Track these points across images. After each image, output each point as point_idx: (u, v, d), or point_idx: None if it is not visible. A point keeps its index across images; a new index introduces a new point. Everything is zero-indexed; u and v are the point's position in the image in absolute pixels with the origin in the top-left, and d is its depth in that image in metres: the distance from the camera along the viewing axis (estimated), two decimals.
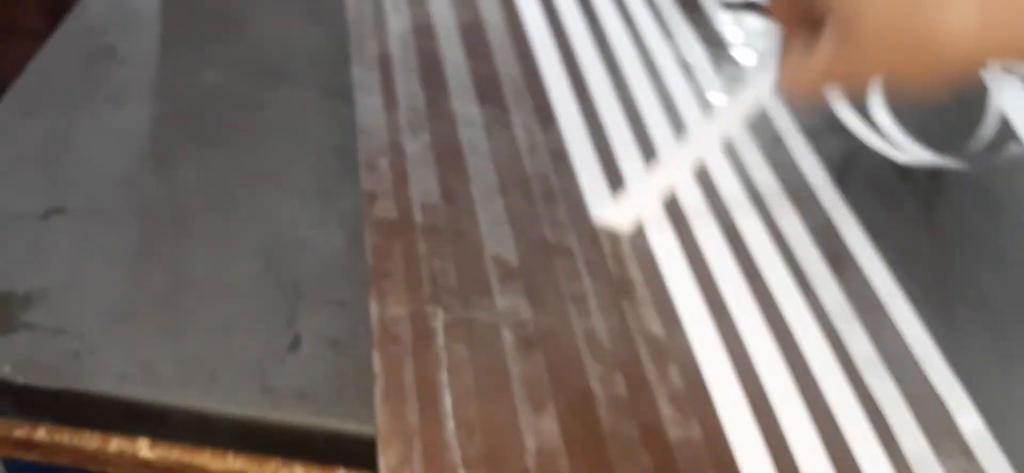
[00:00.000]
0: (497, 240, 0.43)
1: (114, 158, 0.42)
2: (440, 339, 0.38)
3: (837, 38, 0.33)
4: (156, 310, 0.36)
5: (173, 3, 0.52)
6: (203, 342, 0.35)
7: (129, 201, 0.40)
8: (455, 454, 0.33)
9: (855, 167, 0.57)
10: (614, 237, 0.45)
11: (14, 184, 0.40)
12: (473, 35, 0.56)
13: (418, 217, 0.43)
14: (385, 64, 0.52)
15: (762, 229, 0.48)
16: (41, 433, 0.35)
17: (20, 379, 0.32)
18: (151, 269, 0.37)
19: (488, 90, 0.53)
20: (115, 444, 0.35)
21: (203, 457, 0.35)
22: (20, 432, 0.34)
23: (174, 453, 0.35)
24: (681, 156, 0.47)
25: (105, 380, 0.33)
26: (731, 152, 0.53)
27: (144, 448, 0.35)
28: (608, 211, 0.46)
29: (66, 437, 0.35)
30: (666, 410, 0.37)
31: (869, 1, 0.32)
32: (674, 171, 0.47)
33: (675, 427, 0.36)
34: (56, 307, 0.35)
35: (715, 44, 0.62)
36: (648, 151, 0.51)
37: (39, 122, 0.43)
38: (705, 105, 0.57)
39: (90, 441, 0.35)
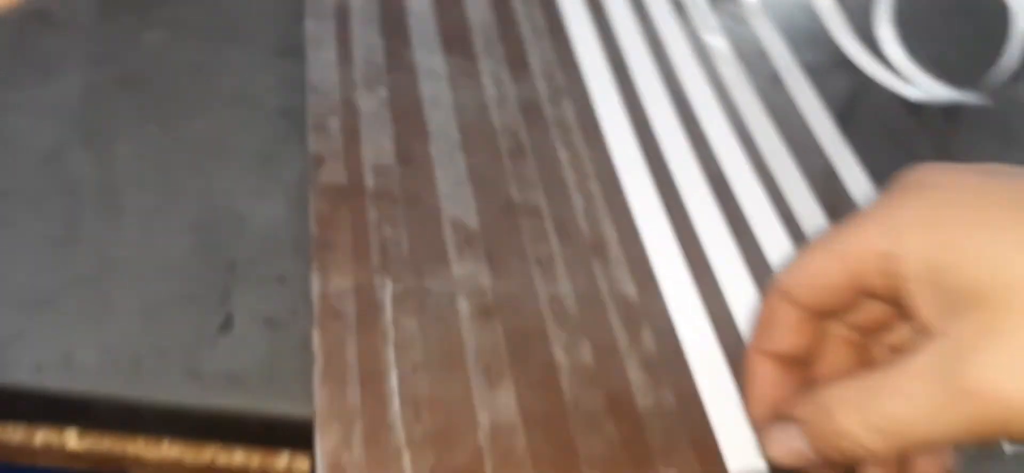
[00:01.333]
0: (457, 203, 0.39)
1: (41, 134, 0.39)
2: (388, 313, 0.35)
3: (971, 335, 0.23)
4: (78, 296, 0.33)
5: None
6: (127, 328, 0.32)
7: (55, 180, 0.37)
8: (399, 435, 0.30)
9: (862, 106, 0.52)
10: (588, 194, 0.41)
11: None
12: None
13: (370, 181, 0.39)
14: (342, 14, 0.48)
15: (754, 178, 0.44)
16: None
17: None
18: (74, 252, 0.35)
19: (455, 38, 0.49)
20: (41, 437, 0.32)
21: (136, 446, 0.32)
22: None
23: (105, 443, 0.32)
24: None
25: (23, 371, 0.31)
26: (723, 92, 0.49)
27: (72, 439, 0.32)
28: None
29: None
30: (636, 376, 0.34)
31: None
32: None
33: (645, 394, 0.33)
34: None
35: None
36: (635, 104, 0.47)
37: None
38: (700, 47, 0.53)
39: (13, 434, 0.33)
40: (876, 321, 0.29)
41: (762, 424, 0.29)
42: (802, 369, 0.29)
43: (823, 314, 0.28)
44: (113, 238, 0.35)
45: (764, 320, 0.29)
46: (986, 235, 0.23)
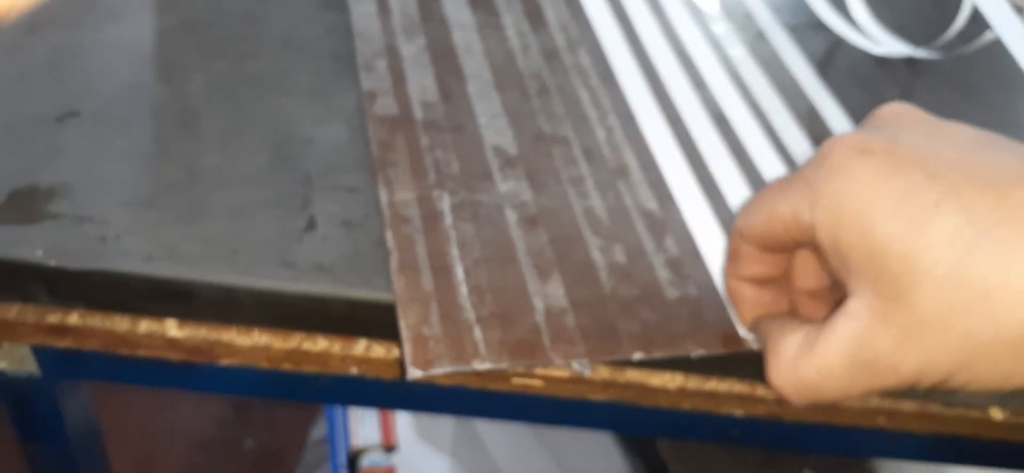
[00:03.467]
0: (496, 132, 0.45)
1: (121, 68, 0.43)
2: (447, 219, 0.40)
3: (869, 317, 0.25)
4: (174, 199, 0.37)
5: None
6: (222, 225, 0.37)
7: (139, 106, 0.41)
8: (469, 314, 0.35)
9: (836, 60, 0.59)
10: (609, 127, 0.47)
11: (26, 93, 0.41)
12: None
13: (418, 113, 0.45)
14: None
15: (749, 115, 0.50)
16: (73, 318, 0.36)
17: (52, 262, 0.34)
18: (166, 164, 0.39)
19: None
20: (144, 325, 0.37)
21: (230, 334, 0.36)
22: (53, 318, 0.36)
23: (201, 332, 0.36)
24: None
25: (132, 260, 0.35)
26: (717, 46, 0.55)
27: (172, 328, 0.36)
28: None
29: (97, 321, 0.36)
30: (663, 273, 0.39)
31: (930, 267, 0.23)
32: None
33: (672, 288, 0.38)
34: (78, 198, 0.37)
35: None
36: (641, 53, 0.52)
37: (44, 38, 0.44)
38: (693, 10, 0.59)
39: (120, 324, 0.36)
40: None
41: (753, 328, 0.33)
42: (780, 284, 0.32)
43: (776, 249, 0.30)
44: (197, 153, 0.40)
45: (731, 253, 0.32)
46: (886, 217, 0.24)
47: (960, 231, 0.23)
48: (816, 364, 0.26)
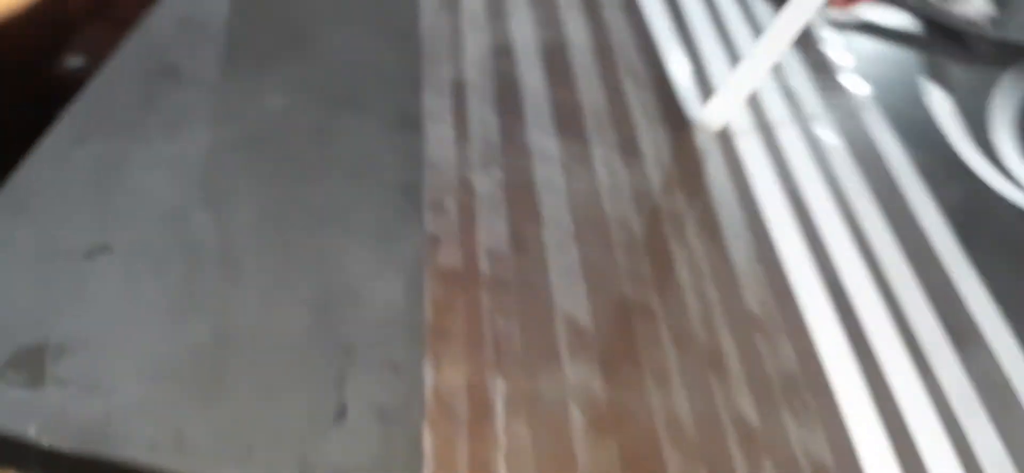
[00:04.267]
0: (569, 297, 0.39)
1: (166, 190, 0.40)
2: (500, 417, 0.34)
3: None
4: (195, 368, 0.33)
5: (241, 18, 0.49)
6: (242, 408, 0.32)
7: (177, 240, 0.38)
8: None
9: (981, 217, 0.50)
10: (705, 298, 0.40)
11: (62, 216, 0.38)
12: (556, 58, 0.51)
13: (484, 266, 0.39)
14: (459, 90, 0.48)
15: (873, 290, 0.43)
16: None
17: (45, 442, 0.30)
18: (194, 320, 0.35)
19: (568, 120, 0.48)
20: None
21: None
22: None
23: None
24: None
25: (134, 447, 0.31)
26: (840, 194, 0.47)
27: None
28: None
29: None
30: None
31: None
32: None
33: None
34: (90, 360, 0.33)
35: (821, 69, 0.56)
36: (749, 200, 0.45)
37: (91, 148, 0.41)
38: (814, 141, 0.51)
39: None
40: None
41: None
42: None
43: None
44: (232, 306, 0.36)
45: None
46: None
47: None
48: None
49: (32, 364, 0.33)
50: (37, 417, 0.31)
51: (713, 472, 0.34)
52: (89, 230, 0.39)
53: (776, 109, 0.57)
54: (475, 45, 0.53)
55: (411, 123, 0.46)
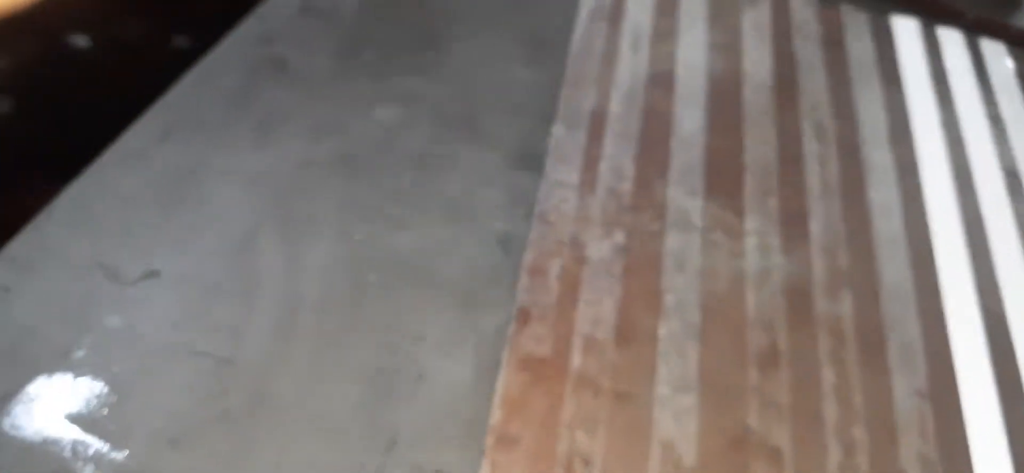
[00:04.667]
0: (675, 419, 0.31)
1: (236, 211, 0.36)
2: None
3: None
4: (222, 433, 0.29)
5: (368, 12, 0.45)
6: None
7: (234, 274, 0.34)
8: None
9: None
10: (850, 444, 0.32)
11: (120, 232, 0.35)
12: (725, 95, 0.43)
13: (577, 359, 0.32)
14: (596, 124, 0.41)
15: None
16: None
17: None
18: (232, 378, 0.31)
19: (723, 178, 0.40)
20: None
21: None
22: None
23: None
24: None
25: None
26: None
27: None
28: None
29: None
30: None
31: None
32: None
33: None
34: (111, 421, 0.30)
35: None
36: (933, 313, 0.36)
37: (171, 149, 0.38)
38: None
39: None
40: None
41: None
42: None
43: None
44: (276, 365, 0.31)
45: None
46: None
47: None
48: None
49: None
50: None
51: None
52: (143, 253, 0.36)
53: (990, 185, 0.45)
54: (629, 69, 0.46)
55: (532, 161, 0.40)
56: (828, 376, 0.35)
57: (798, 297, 0.37)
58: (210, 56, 0.44)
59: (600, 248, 0.37)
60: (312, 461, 0.29)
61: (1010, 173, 0.44)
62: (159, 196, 0.38)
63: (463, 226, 0.37)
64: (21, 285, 0.34)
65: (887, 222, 0.40)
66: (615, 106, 0.45)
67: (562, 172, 0.40)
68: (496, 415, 0.31)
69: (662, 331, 0.35)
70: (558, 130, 0.41)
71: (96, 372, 0.31)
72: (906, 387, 0.34)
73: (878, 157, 0.43)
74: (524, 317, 0.34)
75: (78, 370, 0.31)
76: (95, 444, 0.29)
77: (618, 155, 0.42)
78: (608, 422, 0.31)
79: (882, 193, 0.42)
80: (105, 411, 0.29)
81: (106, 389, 0.30)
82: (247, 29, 0.46)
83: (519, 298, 0.34)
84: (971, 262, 0.38)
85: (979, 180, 0.44)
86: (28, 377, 0.31)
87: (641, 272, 0.37)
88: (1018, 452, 0.31)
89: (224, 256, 0.34)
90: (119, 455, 0.28)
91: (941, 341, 0.35)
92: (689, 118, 0.45)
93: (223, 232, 0.35)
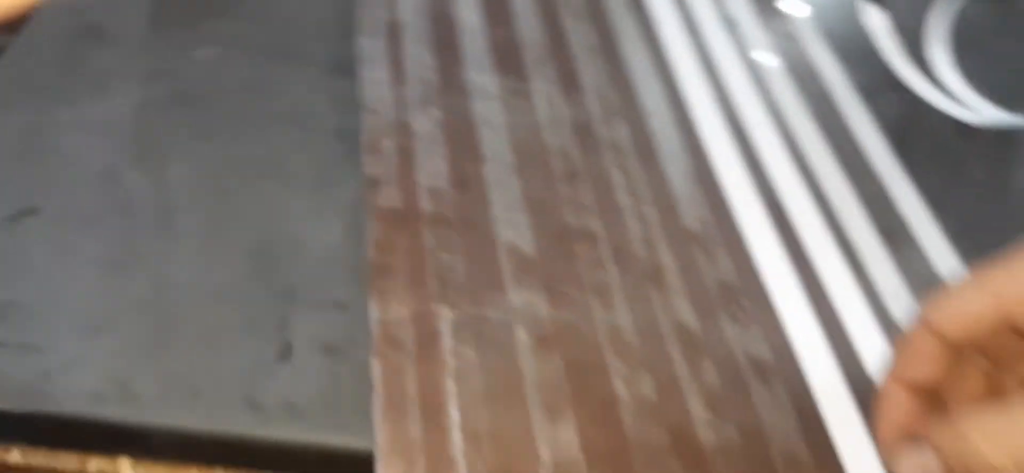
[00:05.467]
0: (512, 228, 0.39)
1: (95, 152, 0.39)
2: (446, 342, 0.34)
3: None
4: (135, 321, 0.33)
5: None
6: (185, 356, 0.32)
7: (109, 200, 0.37)
8: (462, 470, 0.30)
9: (914, 128, 0.51)
10: (643, 218, 0.41)
11: None
12: None
13: (425, 205, 0.39)
14: (394, 31, 0.47)
15: (809, 202, 0.44)
16: (14, 455, 0.32)
17: None
18: (131, 276, 0.34)
19: (506, 57, 0.48)
20: (94, 464, 0.32)
21: None
22: None
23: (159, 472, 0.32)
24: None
25: (79, 401, 0.30)
26: (776, 112, 0.48)
27: (126, 467, 0.32)
28: None
29: (41, 459, 0.32)
30: (698, 411, 0.33)
31: None
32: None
33: (709, 429, 0.32)
34: (26, 321, 0.32)
35: None
36: (687, 126, 0.46)
37: (14, 116, 0.40)
38: (751, 64, 0.52)
39: (67, 462, 0.32)
40: (1011, 353, 0.29)
41: (890, 446, 0.30)
42: (931, 397, 0.31)
43: (964, 347, 0.29)
44: (169, 261, 0.35)
45: (906, 351, 0.31)
46: None
47: None
48: None
49: None
50: None
51: (655, 375, 0.34)
52: (14, 195, 0.37)
53: (715, 36, 0.57)
54: None
55: (346, 69, 0.45)
56: (618, 178, 0.44)
57: (584, 131, 0.45)
58: (23, 34, 0.45)
59: (422, 123, 0.43)
60: (224, 324, 0.32)
61: (730, 21, 0.56)
62: (12, 154, 0.38)
63: (301, 130, 0.41)
64: None
65: (640, 67, 0.49)
66: (405, 15, 0.51)
67: (376, 72, 0.45)
68: (371, 254, 0.36)
69: (487, 173, 0.41)
70: (363, 41, 0.46)
71: (1, 298, 0.31)
72: (677, 173, 0.44)
73: (624, 24, 0.53)
74: (374, 184, 0.39)
75: None
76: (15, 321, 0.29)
77: (418, 52, 0.48)
78: (461, 242, 0.37)
79: (634, 47, 0.51)
80: (16, 322, 0.30)
81: (15, 306, 0.31)
82: (51, 8, 0.46)
83: (365, 171, 0.39)
84: (707, 81, 0.49)
85: (702, 23, 0.55)
86: None
87: (460, 135, 0.43)
88: (767, 203, 0.42)
89: (95, 187, 0.35)
90: (40, 354, 0.29)
91: (695, 139, 0.45)
92: (469, 16, 0.52)
93: (86, 170, 0.36)
